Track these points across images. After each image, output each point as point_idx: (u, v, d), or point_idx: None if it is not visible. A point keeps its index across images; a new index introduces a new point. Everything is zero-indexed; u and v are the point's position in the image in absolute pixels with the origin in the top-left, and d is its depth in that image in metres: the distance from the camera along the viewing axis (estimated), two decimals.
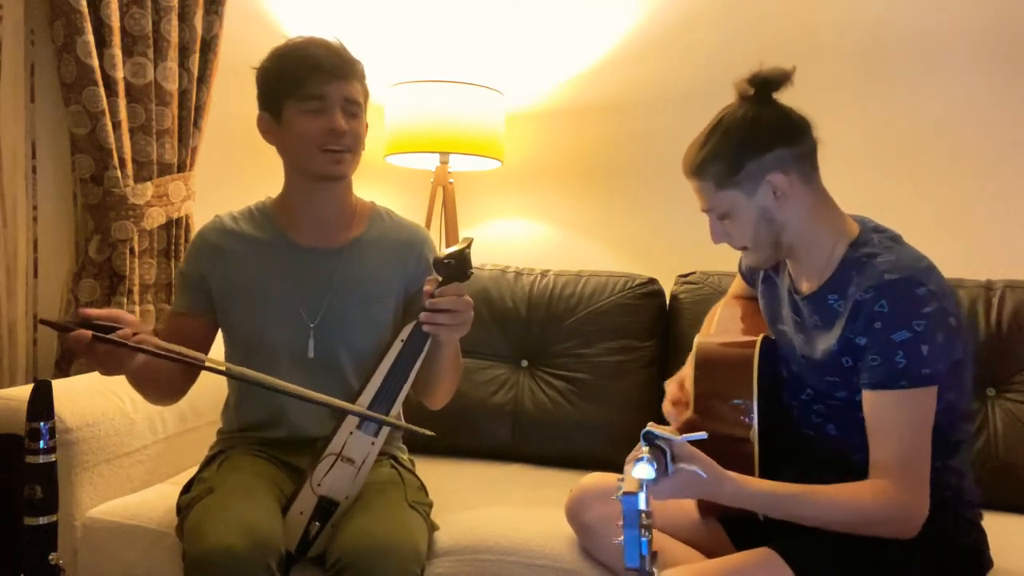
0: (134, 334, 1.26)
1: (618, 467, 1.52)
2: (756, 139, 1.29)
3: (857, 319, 1.25)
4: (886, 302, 1.21)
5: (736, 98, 1.34)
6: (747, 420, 1.32)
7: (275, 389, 1.32)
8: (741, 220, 1.32)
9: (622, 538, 0.91)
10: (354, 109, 1.48)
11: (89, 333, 1.22)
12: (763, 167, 1.29)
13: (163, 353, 1.29)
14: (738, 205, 1.31)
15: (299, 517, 1.41)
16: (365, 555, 1.28)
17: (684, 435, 1.15)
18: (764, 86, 1.32)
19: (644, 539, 0.90)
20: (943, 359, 1.22)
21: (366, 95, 1.53)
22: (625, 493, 0.92)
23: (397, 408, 1.47)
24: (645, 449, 1.07)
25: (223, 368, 1.42)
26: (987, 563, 1.32)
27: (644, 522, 0.91)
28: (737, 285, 1.68)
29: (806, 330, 1.37)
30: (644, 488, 0.93)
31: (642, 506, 0.91)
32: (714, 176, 1.30)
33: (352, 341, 1.52)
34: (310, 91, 1.44)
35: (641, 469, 0.97)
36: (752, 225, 1.32)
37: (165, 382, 1.49)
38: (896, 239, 1.32)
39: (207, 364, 1.39)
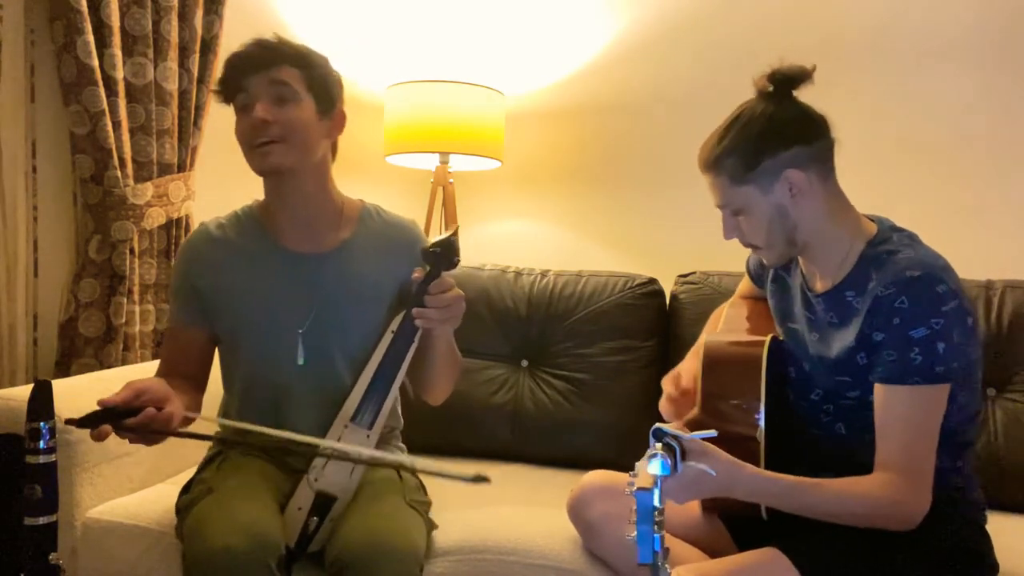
0: (159, 409, 1.25)
1: (618, 467, 1.54)
2: (774, 136, 1.29)
3: (876, 315, 1.24)
4: (906, 298, 1.21)
5: (755, 94, 1.34)
6: (754, 420, 1.32)
7: (282, 438, 1.29)
8: (755, 217, 1.32)
9: (634, 534, 0.91)
10: (283, 92, 1.42)
11: (109, 428, 1.22)
12: (780, 164, 1.28)
13: (185, 432, 1.31)
14: (753, 201, 1.31)
15: (297, 512, 1.41)
16: (364, 555, 1.28)
17: (694, 433, 1.15)
18: (784, 83, 1.31)
19: (657, 535, 0.90)
20: (958, 358, 1.22)
21: (313, 80, 1.45)
22: (639, 489, 0.92)
23: (391, 400, 1.47)
24: (657, 446, 1.06)
25: (234, 426, 1.46)
26: (992, 566, 1.31)
27: (657, 518, 0.91)
28: (744, 285, 1.68)
29: (820, 328, 1.37)
30: (658, 484, 0.93)
31: (656, 502, 0.91)
32: (729, 171, 1.30)
33: (345, 344, 1.50)
34: (234, 85, 1.44)
35: (655, 465, 0.97)
36: (766, 222, 1.32)
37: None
38: (914, 238, 1.32)
39: (220, 430, 1.45)
